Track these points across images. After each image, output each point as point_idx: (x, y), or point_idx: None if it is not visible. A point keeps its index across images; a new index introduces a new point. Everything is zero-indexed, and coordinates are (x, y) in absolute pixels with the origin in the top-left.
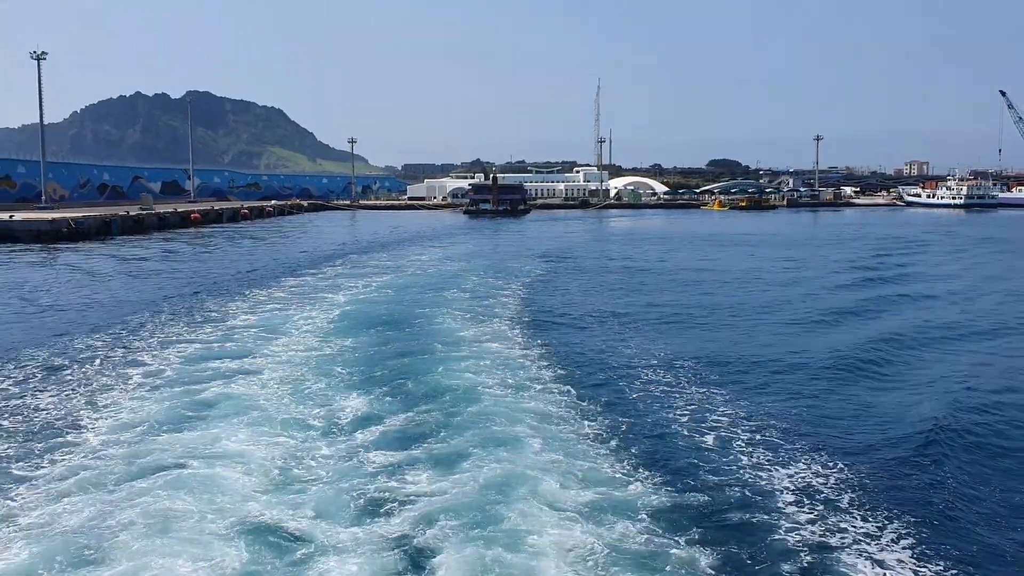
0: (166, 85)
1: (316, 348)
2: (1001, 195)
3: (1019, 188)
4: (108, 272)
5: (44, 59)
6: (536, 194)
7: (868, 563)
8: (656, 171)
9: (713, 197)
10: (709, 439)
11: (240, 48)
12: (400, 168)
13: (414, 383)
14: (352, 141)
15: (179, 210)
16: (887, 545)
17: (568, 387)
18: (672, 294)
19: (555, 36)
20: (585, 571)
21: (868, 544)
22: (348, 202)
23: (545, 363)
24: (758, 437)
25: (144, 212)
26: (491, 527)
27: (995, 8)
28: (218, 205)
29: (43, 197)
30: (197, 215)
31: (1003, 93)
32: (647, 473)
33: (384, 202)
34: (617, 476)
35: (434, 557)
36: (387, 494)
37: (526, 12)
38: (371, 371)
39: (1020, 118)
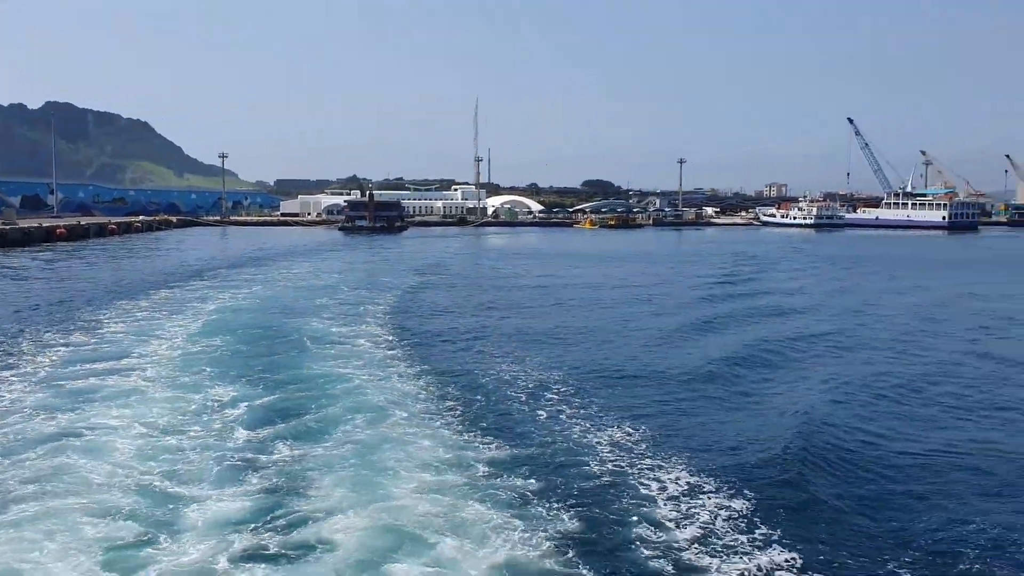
0: (22, 95)
1: (188, 348)
2: (848, 216)
3: (863, 209)
4: None
5: None
6: (414, 211)
7: (654, 483)
8: (533, 190)
9: (585, 216)
10: (542, 413)
11: (104, 58)
12: (272, 183)
13: (283, 373)
14: (223, 156)
15: (44, 225)
16: (669, 471)
17: (429, 376)
18: (536, 305)
19: (435, 53)
20: (436, 500)
21: (656, 472)
22: (219, 218)
23: (409, 357)
24: (582, 411)
25: (7, 227)
26: (358, 473)
27: (849, 37)
28: (85, 220)
29: None
30: (63, 230)
31: (851, 120)
32: (490, 435)
33: (256, 218)
34: (466, 438)
35: (307, 495)
36: (257, 453)
37: (406, 27)
38: (241, 363)
39: (866, 144)
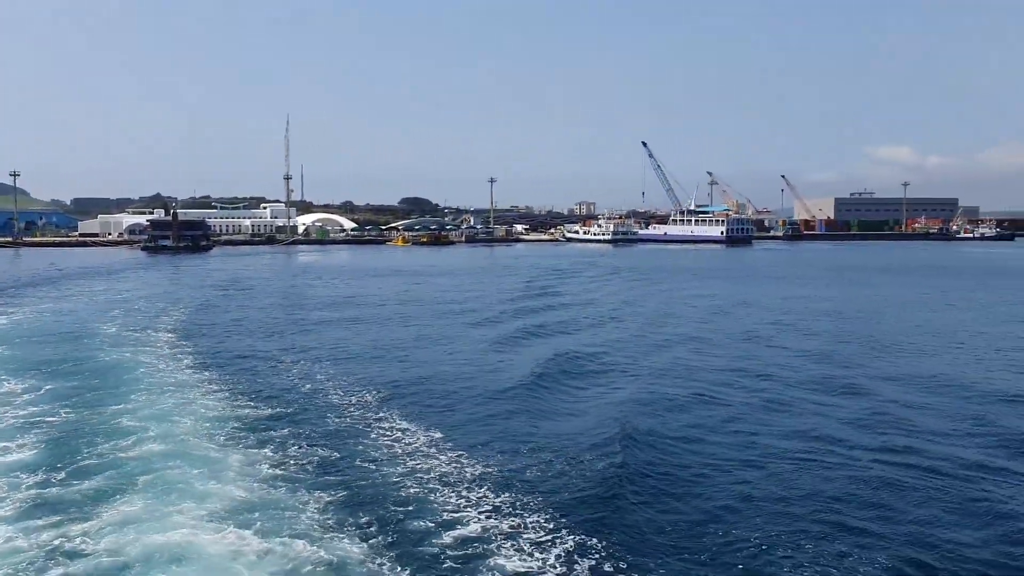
0: None
1: None
2: (641, 232)
3: (655, 226)
4: None
5: None
6: (221, 230)
7: (385, 437)
8: (348, 208)
9: (398, 234)
10: (307, 386)
11: None
12: (69, 203)
13: (75, 368)
14: (15, 175)
15: None
16: (442, 451)
17: (214, 368)
18: (333, 318)
19: (243, 71)
20: (215, 439)
21: (429, 456)
22: (11, 239)
23: (195, 352)
24: (339, 383)
25: None
26: (145, 422)
27: (648, 67)
28: None
29: None
30: None
31: (644, 144)
32: (256, 405)
33: (53, 239)
34: (233, 407)
35: (103, 436)
36: (44, 417)
37: (211, 42)
38: (33, 364)
39: (658, 165)
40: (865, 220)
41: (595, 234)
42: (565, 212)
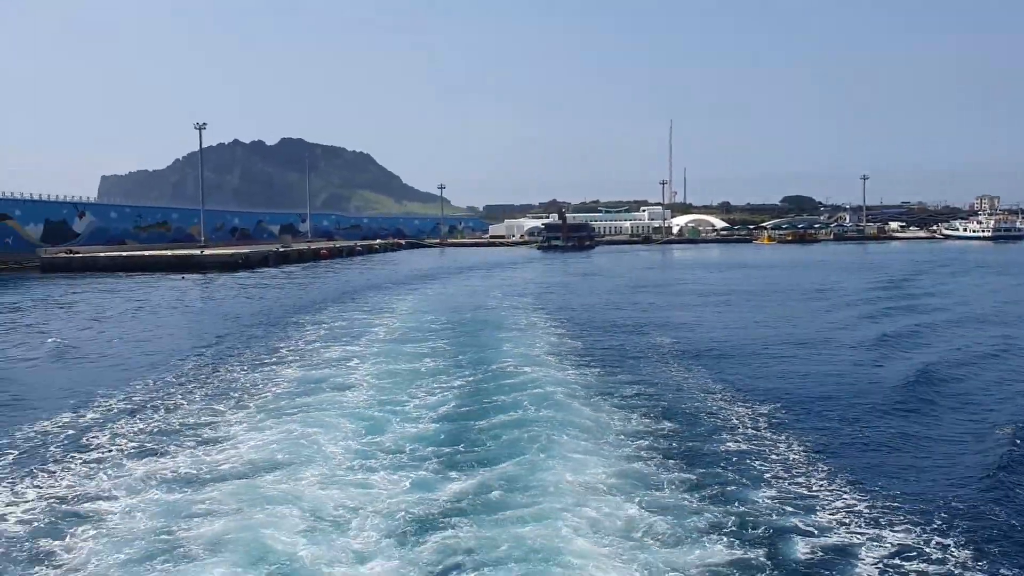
0: (261, 133)
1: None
2: None
3: None
4: (269, 287)
5: (204, 128)
6: (604, 231)
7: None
8: (724, 208)
9: (764, 232)
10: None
11: (331, 97)
12: (481, 209)
13: (478, 354)
14: (442, 188)
15: (312, 247)
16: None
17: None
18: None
19: (629, 80)
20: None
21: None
22: (438, 240)
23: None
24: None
25: (287, 249)
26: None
27: None
28: (339, 244)
29: (202, 238)
30: (326, 252)
31: None
32: (663, 420)
33: (469, 240)
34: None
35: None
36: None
37: (603, 60)
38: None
39: None
40: None
41: (973, 231)
42: (965, 208)
